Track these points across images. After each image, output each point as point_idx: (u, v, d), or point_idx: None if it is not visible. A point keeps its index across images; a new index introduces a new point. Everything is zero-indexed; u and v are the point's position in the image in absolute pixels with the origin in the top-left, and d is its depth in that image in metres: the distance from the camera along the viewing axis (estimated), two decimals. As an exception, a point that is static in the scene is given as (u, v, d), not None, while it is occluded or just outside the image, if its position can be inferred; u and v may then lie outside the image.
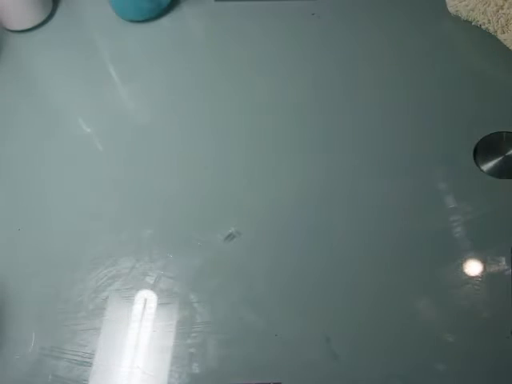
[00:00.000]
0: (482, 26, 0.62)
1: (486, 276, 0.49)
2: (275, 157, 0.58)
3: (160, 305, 0.50)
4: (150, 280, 0.51)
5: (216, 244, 0.52)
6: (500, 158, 0.55)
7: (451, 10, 0.64)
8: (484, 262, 0.50)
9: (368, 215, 0.53)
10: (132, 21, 0.69)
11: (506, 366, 0.45)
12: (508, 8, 0.58)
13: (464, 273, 0.49)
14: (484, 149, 0.56)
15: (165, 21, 0.70)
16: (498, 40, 0.61)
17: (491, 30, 0.61)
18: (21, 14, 0.67)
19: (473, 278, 0.49)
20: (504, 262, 0.49)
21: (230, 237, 0.53)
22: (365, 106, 0.60)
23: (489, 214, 0.52)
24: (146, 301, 0.50)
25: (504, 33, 0.60)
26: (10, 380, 0.47)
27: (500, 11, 0.59)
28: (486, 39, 0.63)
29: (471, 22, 0.63)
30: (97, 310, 0.50)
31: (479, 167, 0.55)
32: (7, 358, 0.48)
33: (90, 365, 0.47)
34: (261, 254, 0.52)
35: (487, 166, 0.55)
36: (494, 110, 0.59)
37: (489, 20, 0.60)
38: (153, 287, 0.51)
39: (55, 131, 0.62)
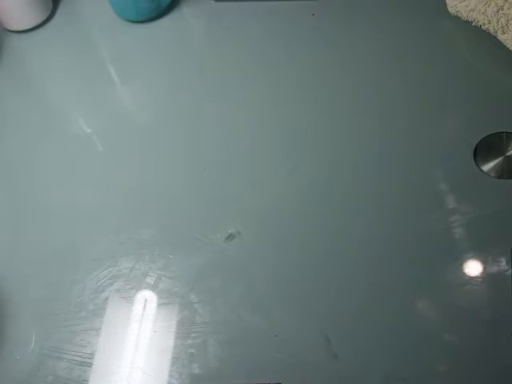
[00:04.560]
0: (483, 27, 0.62)
1: (486, 276, 0.49)
2: (276, 157, 0.58)
3: (160, 305, 0.50)
4: (150, 280, 0.51)
5: (216, 244, 0.52)
6: (500, 158, 0.55)
7: (451, 10, 0.64)
8: (484, 262, 0.50)
9: (368, 215, 0.53)
10: (132, 21, 0.69)
11: (506, 366, 0.45)
12: (508, 8, 0.58)
13: (464, 273, 0.49)
14: (484, 149, 0.56)
15: (165, 21, 0.70)
16: (498, 40, 0.61)
17: (491, 30, 0.61)
18: (21, 15, 0.67)
19: (473, 278, 0.49)
20: (504, 263, 0.49)
21: (231, 237, 0.53)
22: (365, 105, 0.60)
23: (489, 214, 0.52)
24: (146, 301, 0.50)
25: (504, 33, 0.60)
26: (10, 380, 0.47)
27: (500, 11, 0.59)
28: (486, 40, 0.63)
29: (471, 23, 0.63)
30: (97, 311, 0.50)
31: (479, 167, 0.55)
32: (7, 359, 0.48)
33: (90, 365, 0.47)
34: (261, 254, 0.52)
35: (487, 166, 0.55)
36: (494, 110, 0.59)
37: (489, 20, 0.60)
38: (153, 287, 0.51)
39: (55, 131, 0.62)
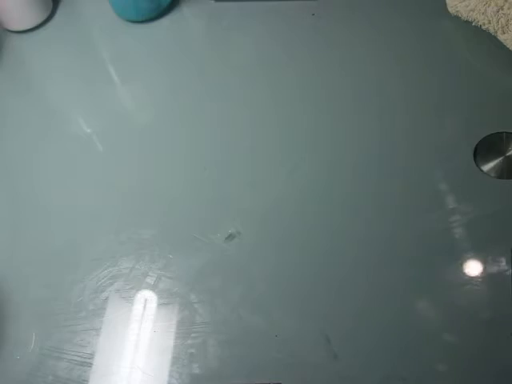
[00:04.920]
0: (483, 27, 0.62)
1: (486, 276, 0.49)
2: (276, 157, 0.58)
3: (160, 305, 0.50)
4: (150, 280, 0.51)
5: (216, 244, 0.52)
6: (500, 158, 0.55)
7: (451, 10, 0.64)
8: (484, 262, 0.50)
9: (368, 215, 0.53)
10: (132, 21, 0.69)
11: (506, 366, 0.45)
12: (508, 8, 0.58)
13: (464, 273, 0.49)
14: (484, 149, 0.56)
15: (165, 21, 0.70)
16: (498, 40, 0.61)
17: (491, 30, 0.61)
18: (21, 15, 0.67)
19: (473, 278, 0.49)
20: (504, 263, 0.49)
21: (231, 237, 0.53)
22: (365, 105, 0.60)
23: (489, 214, 0.52)
24: (146, 301, 0.50)
25: (504, 33, 0.60)
26: (10, 380, 0.47)
27: (500, 11, 0.59)
28: (486, 40, 0.63)
29: (471, 23, 0.63)
30: (97, 311, 0.50)
31: (479, 167, 0.55)
32: (7, 359, 0.48)
33: (90, 365, 0.47)
34: (261, 254, 0.52)
35: (487, 166, 0.55)
36: (494, 110, 0.59)
37: (489, 20, 0.60)
38: (153, 287, 0.51)
39: (55, 131, 0.62)
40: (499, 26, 0.60)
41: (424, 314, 0.48)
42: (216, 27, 0.69)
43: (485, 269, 0.49)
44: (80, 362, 0.48)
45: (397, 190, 0.54)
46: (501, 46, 0.61)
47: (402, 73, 0.63)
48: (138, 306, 0.50)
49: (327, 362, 0.46)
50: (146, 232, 0.54)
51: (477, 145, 0.56)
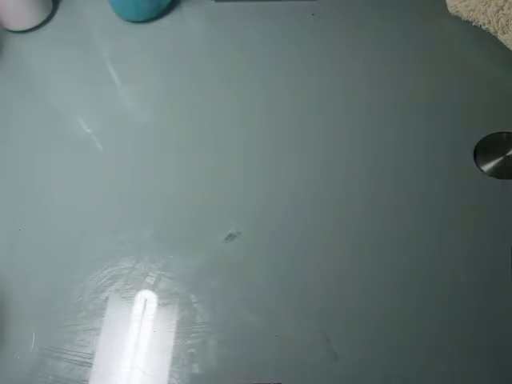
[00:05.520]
0: (483, 27, 0.62)
1: (486, 276, 0.49)
2: (274, 157, 0.58)
3: (160, 305, 0.50)
4: (150, 280, 0.51)
5: (216, 244, 0.52)
6: (500, 159, 0.55)
7: (451, 10, 0.64)
8: (484, 262, 0.50)
9: (367, 215, 0.53)
10: (132, 21, 0.69)
11: (506, 366, 0.45)
12: (508, 9, 0.58)
13: (464, 273, 0.49)
14: (484, 149, 0.56)
15: (165, 21, 0.70)
16: (499, 40, 0.62)
17: (491, 30, 0.61)
18: (21, 15, 0.67)
19: (473, 278, 0.49)
20: (504, 263, 0.49)
21: (230, 237, 0.53)
22: (364, 106, 0.60)
23: (489, 214, 0.52)
24: (146, 301, 0.50)
25: (504, 33, 0.60)
26: (10, 380, 0.47)
27: (500, 12, 0.59)
28: (487, 40, 0.63)
29: (471, 23, 0.63)
30: (97, 311, 0.50)
31: (479, 167, 0.55)
32: (7, 359, 0.48)
33: (90, 365, 0.47)
34: (261, 253, 0.52)
35: (487, 166, 0.55)
36: (494, 110, 0.59)
37: (489, 20, 0.60)
38: (153, 287, 0.51)
39: (54, 131, 0.62)
40: (499, 26, 0.60)
41: (424, 314, 0.48)
42: (216, 27, 0.69)
43: (484, 269, 0.49)
44: (80, 362, 0.48)
45: (396, 190, 0.54)
46: (501, 46, 0.62)
47: (402, 72, 0.63)
48: (138, 306, 0.50)
49: (327, 361, 0.46)
50: (146, 232, 0.54)
51: (477, 145, 0.56)
